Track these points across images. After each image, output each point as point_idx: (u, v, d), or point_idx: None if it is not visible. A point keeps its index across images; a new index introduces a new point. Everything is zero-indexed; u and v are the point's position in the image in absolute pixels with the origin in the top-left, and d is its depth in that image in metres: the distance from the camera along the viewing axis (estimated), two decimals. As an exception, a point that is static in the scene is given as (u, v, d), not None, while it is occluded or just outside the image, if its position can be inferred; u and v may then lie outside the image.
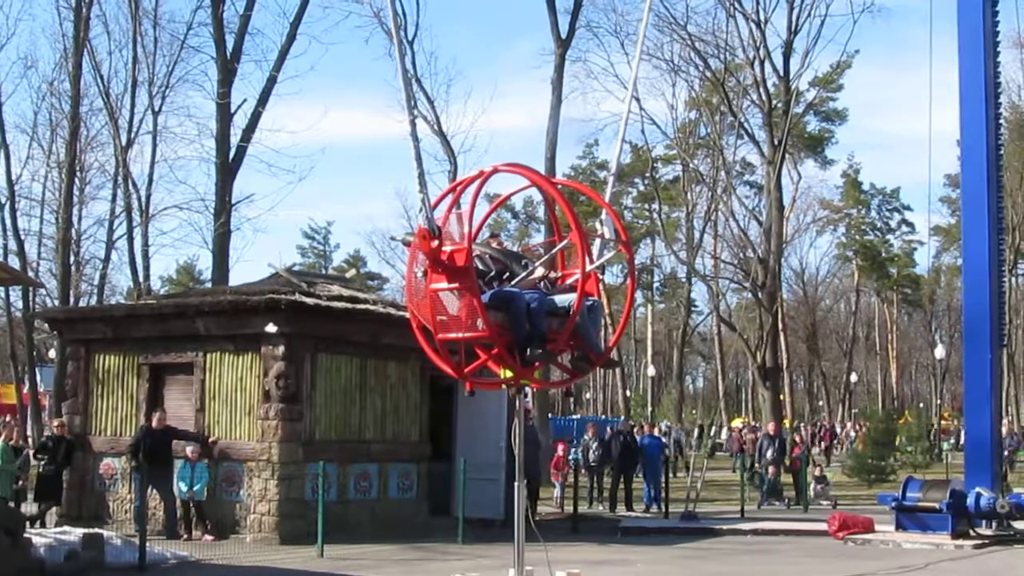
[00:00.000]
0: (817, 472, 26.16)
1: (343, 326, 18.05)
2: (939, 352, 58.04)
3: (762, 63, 41.01)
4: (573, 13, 33.91)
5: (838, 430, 57.95)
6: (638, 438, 26.34)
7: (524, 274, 8.83)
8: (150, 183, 33.62)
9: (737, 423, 57.14)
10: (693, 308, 67.78)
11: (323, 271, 66.29)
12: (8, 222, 34.69)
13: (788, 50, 40.63)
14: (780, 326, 50.26)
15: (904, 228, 78.86)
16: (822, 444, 49.69)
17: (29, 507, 18.47)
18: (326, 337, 17.84)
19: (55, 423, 20.04)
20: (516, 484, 9.04)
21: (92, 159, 36.24)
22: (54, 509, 18.85)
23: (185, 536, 16.92)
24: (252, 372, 17.42)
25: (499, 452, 19.36)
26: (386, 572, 14.45)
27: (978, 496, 17.15)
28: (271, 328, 16.90)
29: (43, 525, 17.74)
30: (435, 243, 8.11)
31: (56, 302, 33.04)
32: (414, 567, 14.90)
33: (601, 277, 9.36)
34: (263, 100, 31.88)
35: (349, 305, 18.50)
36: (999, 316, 18.19)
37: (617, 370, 59.89)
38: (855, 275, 78.25)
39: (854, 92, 71.52)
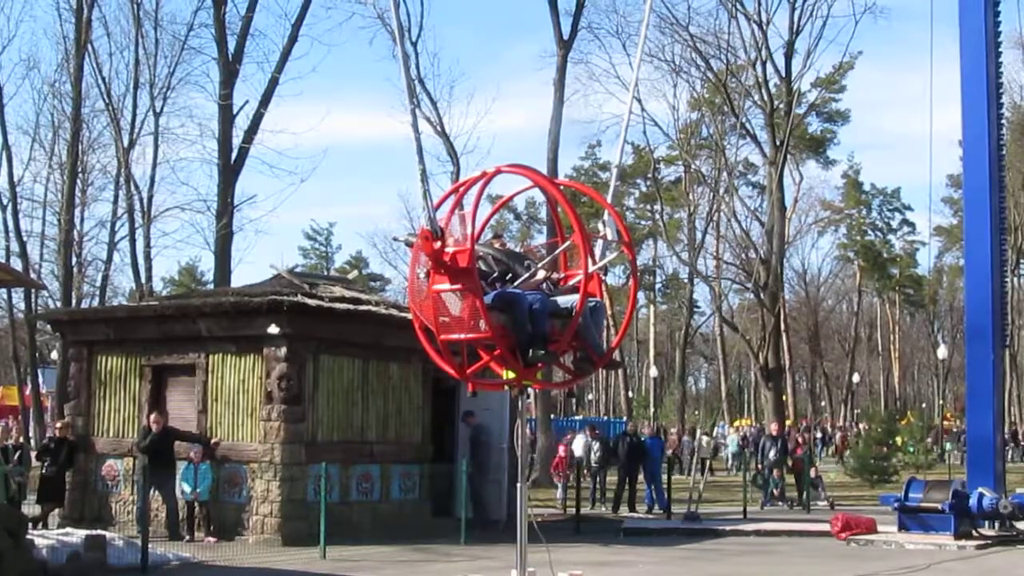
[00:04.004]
0: (812, 473, 26.10)
1: (345, 327, 18.04)
2: (941, 352, 58.03)
3: (764, 64, 41.10)
4: (575, 14, 33.97)
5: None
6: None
7: (527, 275, 8.82)
8: (152, 184, 33.70)
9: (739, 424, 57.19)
10: (695, 309, 67.76)
11: (325, 272, 66.25)
12: (10, 223, 34.75)
13: (790, 51, 40.69)
14: (782, 327, 50.19)
15: (905, 228, 78.92)
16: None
17: (31, 508, 18.46)
18: (328, 338, 17.83)
19: (57, 424, 20.04)
20: (519, 485, 9.04)
21: (94, 160, 36.37)
22: (56, 511, 18.85)
23: (188, 537, 16.91)
24: (254, 373, 17.42)
25: (501, 453, 19.37)
26: (388, 573, 14.45)
27: (980, 496, 17.15)
28: (273, 329, 16.90)
29: (45, 527, 17.75)
30: (438, 244, 8.10)
31: (58, 303, 33.05)
32: (416, 568, 14.90)
33: (603, 278, 9.34)
34: (265, 101, 31.91)
35: (351, 306, 18.50)
36: (1001, 316, 18.19)
37: (619, 371, 59.86)
38: (857, 276, 78.23)
39: (855, 92, 71.78)
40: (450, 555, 15.85)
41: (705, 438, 39.59)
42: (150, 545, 14.17)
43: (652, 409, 64.01)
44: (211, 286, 37.76)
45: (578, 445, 26.60)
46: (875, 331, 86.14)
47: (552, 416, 37.52)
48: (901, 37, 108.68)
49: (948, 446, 43.51)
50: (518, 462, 9.29)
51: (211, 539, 16.86)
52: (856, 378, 75.27)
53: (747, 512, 22.31)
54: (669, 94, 50.97)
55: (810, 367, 78.77)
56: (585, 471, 25.08)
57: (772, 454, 25.64)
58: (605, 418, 58.60)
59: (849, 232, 76.60)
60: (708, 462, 36.58)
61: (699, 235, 54.31)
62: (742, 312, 64.07)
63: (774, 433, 27.33)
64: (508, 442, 19.13)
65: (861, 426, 51.30)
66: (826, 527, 18.52)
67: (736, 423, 58.29)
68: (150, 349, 18.58)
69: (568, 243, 8.91)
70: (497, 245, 9.19)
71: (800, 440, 30.44)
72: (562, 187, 9.98)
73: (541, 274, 8.92)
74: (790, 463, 26.06)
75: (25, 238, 35.14)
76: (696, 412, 75.93)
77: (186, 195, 52.59)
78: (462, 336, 8.34)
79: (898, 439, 36.97)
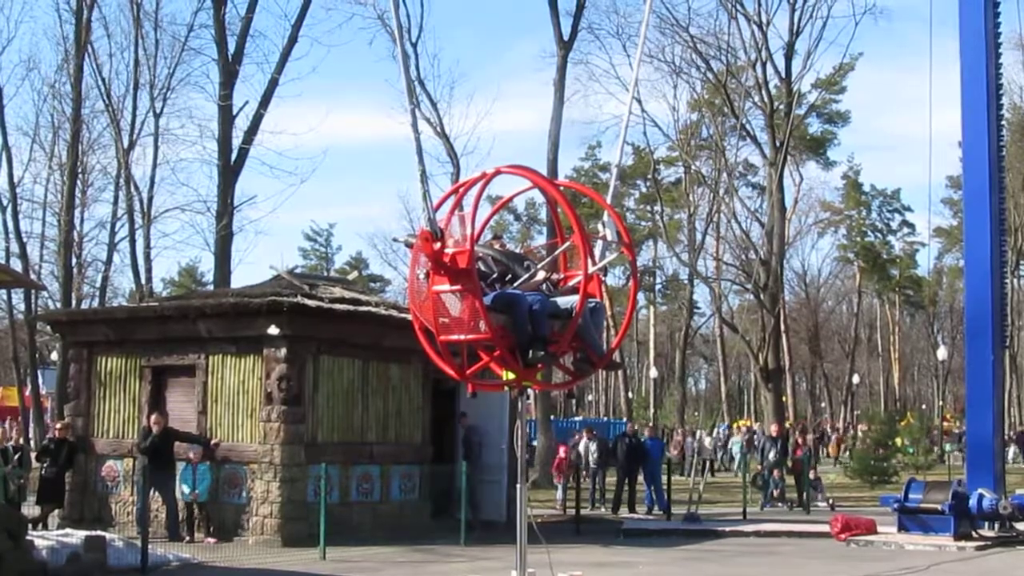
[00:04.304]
0: (811, 475, 26.08)
1: (345, 328, 18.05)
2: (941, 353, 58.00)
3: (764, 65, 41.08)
4: (575, 15, 33.98)
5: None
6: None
7: (526, 276, 8.82)
8: (152, 185, 33.65)
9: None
10: (695, 310, 67.76)
11: (325, 273, 66.25)
12: (10, 224, 34.75)
13: (790, 52, 40.67)
14: (782, 328, 50.21)
15: (905, 229, 78.93)
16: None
17: (31, 509, 18.47)
18: (328, 339, 17.83)
19: (57, 425, 20.04)
20: (518, 486, 9.04)
21: (94, 161, 36.35)
22: (56, 512, 18.85)
23: (187, 538, 16.92)
24: (254, 374, 17.42)
25: (501, 454, 19.38)
26: (388, 574, 14.45)
27: (980, 497, 17.15)
28: (273, 330, 16.90)
29: (45, 527, 17.75)
30: (437, 245, 8.10)
31: (58, 304, 33.04)
32: (416, 569, 14.90)
33: (603, 279, 9.34)
34: (265, 102, 31.89)
35: (351, 307, 18.50)
36: (1001, 317, 18.19)
37: (619, 372, 59.86)
38: (856, 277, 78.24)
39: (855, 93, 71.64)
40: (450, 556, 15.85)
41: (708, 439, 39.59)
42: (150, 546, 14.18)
43: (652, 410, 63.97)
44: (211, 287, 37.76)
45: (584, 446, 26.58)
46: (875, 332, 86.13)
47: (552, 417, 37.50)
48: (901, 38, 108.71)
49: (948, 447, 43.48)
50: (518, 463, 9.30)
51: (211, 540, 16.86)
52: (856, 379, 75.29)
53: (747, 513, 22.31)
54: (669, 95, 51.01)
55: (810, 368, 78.78)
56: (584, 472, 25.09)
57: (772, 455, 25.64)
58: (605, 419, 58.57)
59: (849, 233, 76.62)
60: (710, 463, 36.60)
61: (699, 236, 54.35)
62: (742, 313, 64.07)
63: (774, 434, 27.31)
64: (508, 443, 19.14)
65: (860, 427, 51.16)
66: (826, 528, 18.52)
67: (735, 423, 58.25)
68: (150, 350, 18.58)
69: (568, 244, 8.92)
70: (497, 246, 9.20)
71: (800, 441, 30.43)
72: (562, 188, 9.99)
73: (541, 275, 8.92)
74: (790, 464, 26.06)
75: (25, 239, 35.16)
76: (696, 413, 76.01)
77: (186, 196, 52.06)
78: (462, 337, 8.35)
79: (898, 440, 36.96)
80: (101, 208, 39.60)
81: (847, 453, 46.78)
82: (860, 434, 47.97)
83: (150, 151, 33.91)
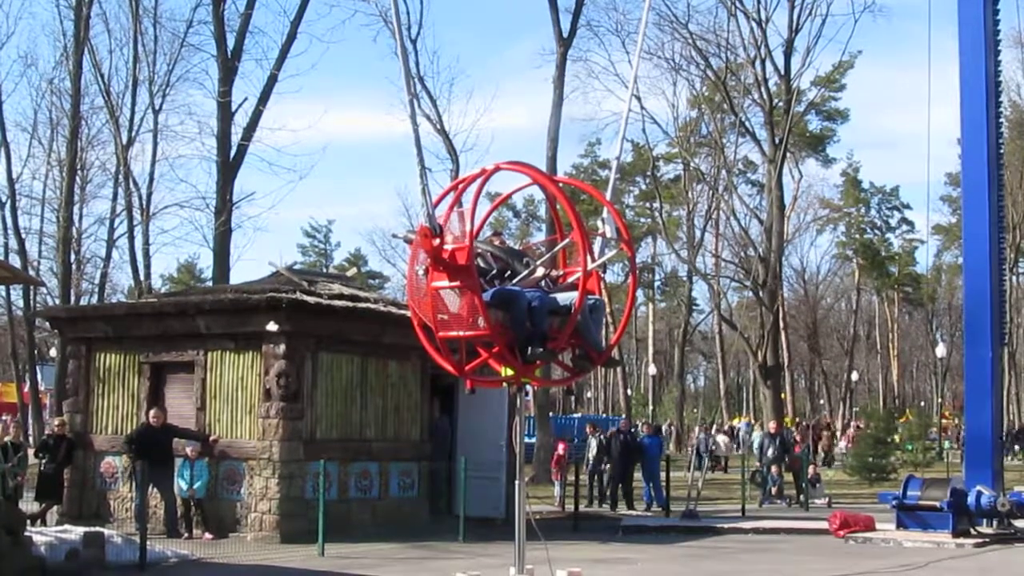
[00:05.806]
0: (811, 471, 26.07)
1: (344, 325, 18.04)
2: (940, 351, 58.03)
3: (763, 62, 41.14)
4: (575, 12, 33.94)
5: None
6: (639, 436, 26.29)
7: (525, 272, 8.83)
8: (151, 181, 33.70)
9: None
10: (694, 307, 67.78)
11: (324, 270, 66.24)
12: (9, 220, 34.77)
13: (789, 49, 40.73)
14: (781, 325, 50.27)
15: (904, 227, 79.05)
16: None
17: (29, 506, 18.45)
18: (327, 336, 17.82)
19: (56, 422, 20.03)
20: (517, 483, 9.04)
21: (93, 157, 36.36)
22: (55, 508, 18.84)
23: (186, 535, 16.90)
24: (253, 370, 17.41)
25: (500, 451, 19.37)
26: (387, 571, 14.44)
27: (979, 494, 17.16)
28: (272, 327, 16.89)
29: (44, 524, 17.74)
30: (436, 241, 8.11)
31: (57, 301, 33.04)
32: (415, 566, 14.90)
33: (602, 275, 9.36)
34: (264, 98, 31.86)
35: (350, 304, 18.49)
36: (1000, 314, 18.20)
37: (618, 369, 59.85)
38: (855, 274, 78.30)
39: (855, 90, 71.70)
40: (449, 552, 15.84)
41: (722, 436, 39.49)
42: (148, 542, 14.17)
43: (651, 407, 63.98)
44: (210, 283, 37.76)
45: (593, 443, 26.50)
46: (874, 329, 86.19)
47: (550, 414, 37.48)
48: (901, 35, 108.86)
49: (947, 444, 43.52)
50: (516, 459, 9.31)
51: (209, 536, 16.84)
52: (855, 376, 75.35)
53: (745, 510, 22.32)
54: (668, 92, 51.12)
55: (809, 365, 78.84)
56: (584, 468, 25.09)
57: (771, 452, 25.63)
58: (604, 416, 58.60)
59: (848, 230, 76.67)
60: (715, 460, 36.57)
61: (698, 233, 54.39)
62: (741, 310, 64.12)
63: (772, 431, 27.31)
64: (507, 439, 19.14)
65: (855, 423, 51.03)
66: (824, 525, 18.52)
67: (736, 420, 58.26)
68: (149, 346, 18.56)
69: (567, 240, 8.93)
70: (496, 242, 9.21)
71: (799, 438, 30.43)
72: (561, 184, 10.00)
73: (540, 271, 8.93)
74: (788, 461, 26.05)
75: (24, 235, 35.19)
76: (695, 410, 75.98)
77: (185, 192, 52.81)
78: (461, 333, 8.36)
79: (896, 437, 36.99)
80: (100, 204, 39.64)
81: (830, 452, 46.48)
82: (854, 430, 47.79)
83: (149, 147, 34.02)
